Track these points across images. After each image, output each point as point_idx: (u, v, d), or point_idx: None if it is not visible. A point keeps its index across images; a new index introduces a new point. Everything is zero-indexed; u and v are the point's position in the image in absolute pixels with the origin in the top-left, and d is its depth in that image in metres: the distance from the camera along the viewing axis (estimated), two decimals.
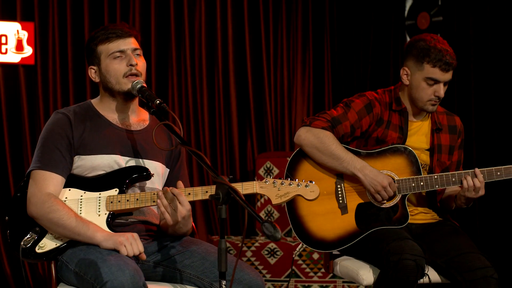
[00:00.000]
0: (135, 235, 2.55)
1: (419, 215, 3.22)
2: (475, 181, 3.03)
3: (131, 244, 2.50)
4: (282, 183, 2.58)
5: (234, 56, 5.68)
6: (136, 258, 2.54)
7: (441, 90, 3.12)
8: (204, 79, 5.60)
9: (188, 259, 2.67)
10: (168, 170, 2.87)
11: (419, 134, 3.25)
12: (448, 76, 3.12)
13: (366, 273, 3.05)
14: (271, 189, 2.57)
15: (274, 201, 2.58)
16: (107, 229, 2.58)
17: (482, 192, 3.05)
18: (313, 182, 2.60)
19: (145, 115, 2.87)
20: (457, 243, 3.04)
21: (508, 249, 4.65)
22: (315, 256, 4.88)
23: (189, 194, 2.59)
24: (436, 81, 3.11)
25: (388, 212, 3.10)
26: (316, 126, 3.12)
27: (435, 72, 3.09)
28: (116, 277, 2.35)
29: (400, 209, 3.10)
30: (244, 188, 2.58)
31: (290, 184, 2.58)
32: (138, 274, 2.40)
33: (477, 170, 3.05)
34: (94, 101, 2.83)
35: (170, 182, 2.83)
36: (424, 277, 2.89)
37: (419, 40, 3.15)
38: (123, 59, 2.71)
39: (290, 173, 3.15)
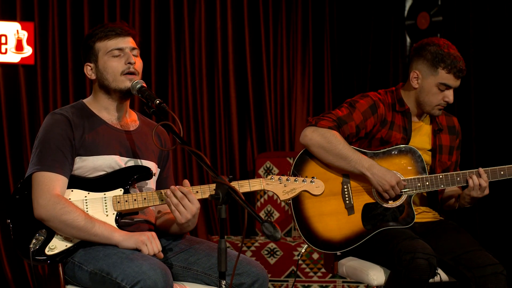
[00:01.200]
0: (154, 234, 2.57)
1: (421, 214, 3.23)
2: (480, 180, 3.05)
3: (151, 242, 2.53)
4: (287, 179, 2.62)
5: (234, 56, 5.68)
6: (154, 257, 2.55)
7: (451, 96, 3.14)
8: (204, 79, 5.60)
9: (193, 256, 2.68)
10: (159, 169, 2.88)
11: (421, 134, 3.25)
12: (458, 82, 3.15)
13: (377, 273, 3.05)
14: (277, 185, 2.61)
15: (282, 197, 2.61)
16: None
17: (487, 191, 3.08)
18: (315, 178, 2.63)
19: (135, 116, 2.88)
20: (461, 240, 3.06)
21: (509, 249, 4.65)
22: (315, 256, 4.88)
23: (197, 192, 2.61)
24: (448, 87, 3.12)
25: (394, 212, 3.11)
26: (322, 126, 3.12)
27: (449, 78, 3.10)
28: (149, 276, 2.36)
29: (406, 209, 3.11)
30: (251, 185, 2.61)
31: (295, 180, 2.62)
32: (168, 273, 2.42)
33: (481, 169, 3.07)
34: (87, 101, 2.80)
35: (160, 181, 2.86)
36: (436, 276, 2.90)
37: (432, 44, 3.14)
38: (121, 57, 2.71)
39: (296, 175, 3.13)
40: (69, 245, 2.57)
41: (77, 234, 2.55)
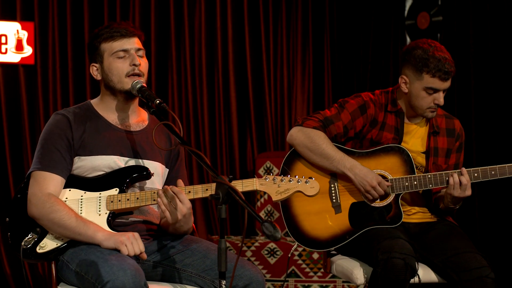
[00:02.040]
0: (136, 234, 2.55)
1: (417, 215, 3.23)
2: (461, 178, 3.02)
3: (132, 243, 2.51)
4: (282, 180, 2.58)
5: (234, 56, 5.68)
6: (137, 257, 2.54)
7: (440, 98, 3.11)
8: (204, 79, 5.61)
9: (188, 257, 2.67)
10: (168, 170, 2.87)
11: (415, 137, 3.24)
12: (447, 84, 3.10)
13: (360, 272, 3.06)
14: (271, 185, 2.58)
15: (274, 198, 2.58)
16: (107, 229, 2.59)
17: (468, 192, 3.04)
18: (313, 178, 2.60)
19: (144, 115, 2.87)
20: (454, 242, 3.04)
21: (508, 249, 4.65)
22: (315, 256, 4.88)
23: (189, 192, 2.60)
24: (436, 90, 3.10)
25: (381, 211, 3.10)
26: (307, 126, 3.13)
27: (434, 82, 3.08)
28: (118, 276, 2.35)
29: (393, 208, 3.10)
30: (244, 185, 2.58)
31: (290, 181, 2.58)
32: (139, 274, 2.40)
33: (463, 169, 3.05)
34: (94, 102, 2.83)
35: (169, 181, 2.84)
36: (415, 276, 2.89)
37: (416, 48, 3.11)
38: (127, 59, 2.71)
39: (284, 173, 3.14)
40: (59, 244, 2.60)
41: (64, 232, 2.57)
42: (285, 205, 3.14)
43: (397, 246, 2.86)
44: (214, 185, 2.58)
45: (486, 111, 4.85)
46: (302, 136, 3.12)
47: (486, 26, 4.85)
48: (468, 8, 4.96)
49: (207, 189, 2.59)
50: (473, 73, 4.90)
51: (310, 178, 2.60)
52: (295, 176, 2.60)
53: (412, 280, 2.90)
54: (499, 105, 4.79)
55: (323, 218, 3.12)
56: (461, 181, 3.02)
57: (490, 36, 4.84)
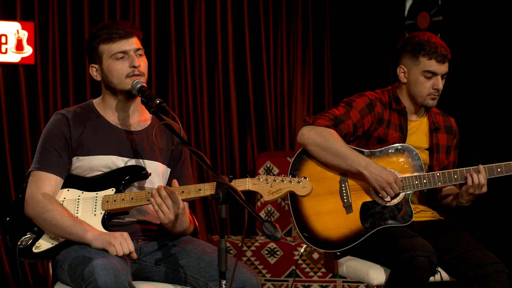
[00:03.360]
0: (125, 234, 2.54)
1: (420, 213, 3.23)
2: (480, 177, 3.04)
3: (121, 243, 2.49)
4: (274, 180, 2.55)
5: (234, 56, 5.68)
6: (128, 257, 2.53)
7: (439, 83, 3.15)
8: (204, 79, 5.61)
9: (184, 259, 2.67)
10: (170, 169, 2.86)
11: (418, 133, 3.26)
12: (444, 68, 3.15)
13: (377, 273, 3.04)
14: (263, 186, 2.55)
15: (266, 198, 2.55)
16: (101, 229, 2.58)
17: (485, 189, 3.06)
18: (307, 178, 2.57)
19: (147, 115, 2.86)
20: (462, 239, 3.06)
21: (509, 248, 4.65)
22: (315, 256, 4.88)
23: (183, 192, 2.59)
24: (434, 74, 3.15)
25: (392, 210, 3.11)
26: (319, 125, 3.12)
27: (431, 64, 3.13)
28: (100, 276, 2.35)
29: (404, 207, 3.10)
30: (237, 185, 2.56)
31: (282, 181, 2.55)
32: (122, 274, 2.38)
33: (480, 166, 3.06)
34: (95, 101, 2.83)
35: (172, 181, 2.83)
36: (436, 274, 2.90)
37: (412, 37, 3.21)
38: (126, 60, 2.71)
39: (293, 174, 3.14)
40: (55, 243, 2.61)
41: (57, 232, 2.58)
42: (296, 205, 3.12)
43: (419, 244, 2.87)
44: (206, 185, 2.58)
45: (486, 111, 4.85)
46: (314, 135, 3.11)
47: (486, 26, 4.85)
48: (468, 8, 4.96)
49: (200, 189, 2.58)
50: (473, 72, 4.90)
51: (304, 178, 2.57)
52: (289, 176, 2.57)
53: (431, 279, 2.91)
54: (499, 105, 4.79)
55: (335, 218, 3.11)
56: (479, 180, 3.04)
57: (490, 36, 4.84)
